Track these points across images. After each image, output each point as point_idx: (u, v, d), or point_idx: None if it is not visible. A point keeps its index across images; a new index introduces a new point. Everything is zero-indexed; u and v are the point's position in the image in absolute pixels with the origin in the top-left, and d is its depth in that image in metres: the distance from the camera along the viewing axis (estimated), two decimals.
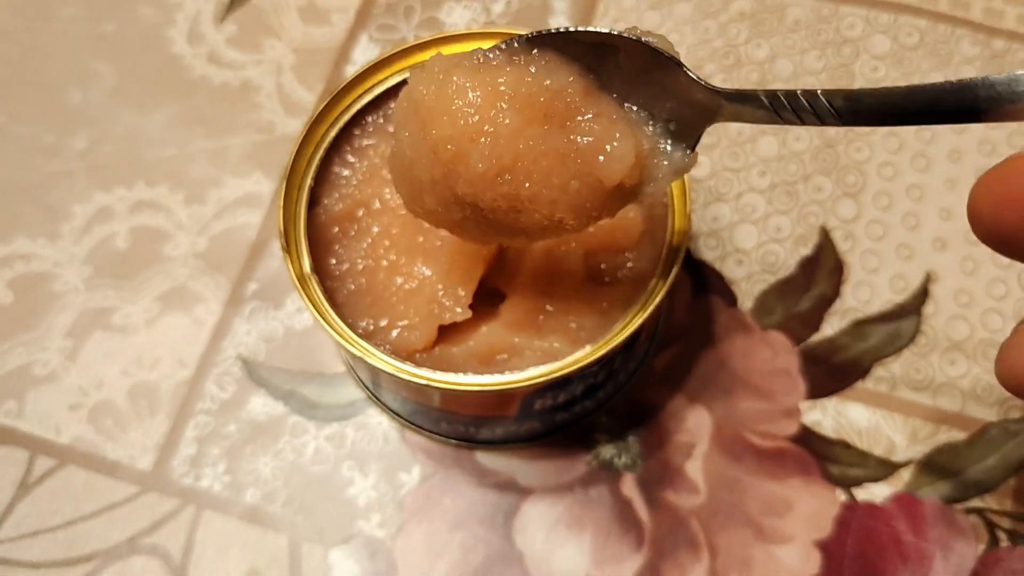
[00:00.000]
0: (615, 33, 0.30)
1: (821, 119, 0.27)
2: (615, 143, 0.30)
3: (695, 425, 0.41)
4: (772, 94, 0.28)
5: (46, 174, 0.47)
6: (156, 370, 0.43)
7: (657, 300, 0.35)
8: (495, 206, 0.30)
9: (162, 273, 0.45)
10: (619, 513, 0.40)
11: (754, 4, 0.49)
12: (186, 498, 0.41)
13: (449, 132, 0.29)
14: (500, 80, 0.30)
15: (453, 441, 0.41)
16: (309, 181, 0.38)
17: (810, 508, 0.40)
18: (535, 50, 0.31)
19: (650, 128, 0.31)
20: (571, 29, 0.30)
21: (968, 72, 0.47)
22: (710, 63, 0.48)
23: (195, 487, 0.41)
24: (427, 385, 0.34)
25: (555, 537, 0.40)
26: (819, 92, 0.27)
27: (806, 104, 0.27)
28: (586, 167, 0.30)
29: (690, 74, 0.29)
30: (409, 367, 0.34)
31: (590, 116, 0.30)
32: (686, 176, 0.36)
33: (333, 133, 0.38)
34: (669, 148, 0.31)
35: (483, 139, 0.29)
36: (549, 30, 0.31)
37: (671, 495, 0.40)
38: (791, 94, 0.27)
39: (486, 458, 0.41)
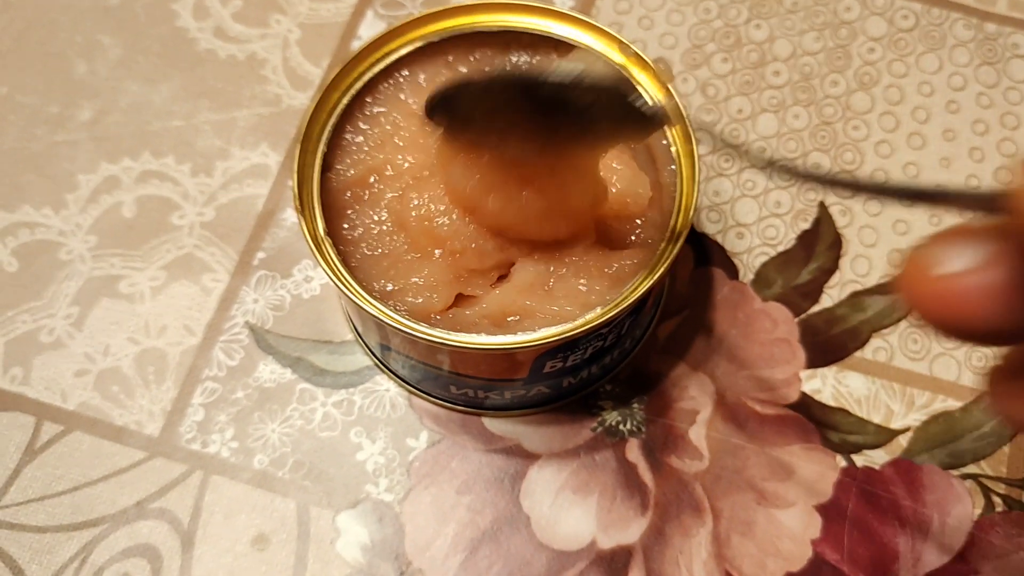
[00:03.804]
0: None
1: None
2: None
3: (698, 392, 0.42)
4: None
5: (51, 144, 0.47)
6: (163, 337, 0.43)
7: (666, 265, 0.35)
8: None
9: (169, 242, 0.45)
10: (624, 477, 0.40)
11: None
12: (193, 463, 0.41)
13: None
14: None
15: (460, 407, 0.42)
16: (322, 146, 0.38)
17: (811, 473, 0.41)
18: None
19: None
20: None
21: (961, 53, 0.48)
22: (710, 43, 0.49)
23: (203, 453, 0.41)
24: (442, 344, 0.34)
25: (561, 501, 0.40)
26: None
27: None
28: None
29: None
30: (424, 327, 0.34)
31: None
32: (693, 143, 0.37)
33: (346, 100, 0.39)
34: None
35: None
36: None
37: (675, 460, 0.41)
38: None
39: (493, 424, 0.42)
